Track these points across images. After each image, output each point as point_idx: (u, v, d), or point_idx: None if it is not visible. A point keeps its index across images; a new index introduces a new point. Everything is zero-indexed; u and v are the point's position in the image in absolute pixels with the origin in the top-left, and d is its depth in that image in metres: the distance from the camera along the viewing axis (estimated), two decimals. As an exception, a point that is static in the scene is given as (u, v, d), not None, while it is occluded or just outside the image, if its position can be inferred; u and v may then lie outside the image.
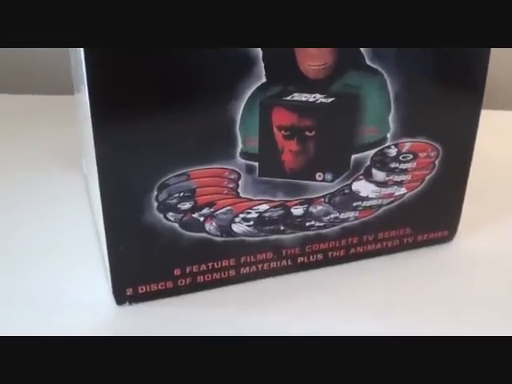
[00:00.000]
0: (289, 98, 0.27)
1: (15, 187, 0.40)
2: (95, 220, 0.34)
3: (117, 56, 0.24)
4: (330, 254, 0.32)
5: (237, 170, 0.28)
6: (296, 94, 0.27)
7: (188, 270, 0.30)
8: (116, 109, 0.25)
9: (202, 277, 0.30)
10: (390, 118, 0.30)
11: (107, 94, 0.25)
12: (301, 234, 0.31)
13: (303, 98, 0.28)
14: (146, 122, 0.26)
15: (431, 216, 0.34)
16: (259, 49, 0.26)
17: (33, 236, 0.35)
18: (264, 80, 0.26)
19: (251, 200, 0.29)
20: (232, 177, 0.28)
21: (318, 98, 0.28)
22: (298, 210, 0.30)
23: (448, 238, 0.35)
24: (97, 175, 0.26)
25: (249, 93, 0.26)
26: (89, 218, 0.36)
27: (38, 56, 0.58)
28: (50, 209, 0.38)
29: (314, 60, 0.27)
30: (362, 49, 0.27)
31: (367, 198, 0.31)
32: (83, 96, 0.26)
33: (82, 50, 0.24)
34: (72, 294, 0.31)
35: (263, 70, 0.26)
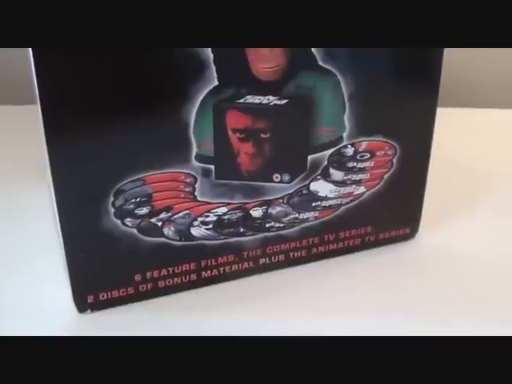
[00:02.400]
0: (242, 100, 0.27)
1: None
2: (57, 228, 0.34)
3: (67, 61, 0.24)
4: (291, 254, 0.32)
5: (193, 173, 0.28)
6: (249, 97, 0.28)
7: (149, 275, 0.30)
8: (68, 116, 0.25)
9: (163, 282, 0.30)
10: (346, 118, 0.30)
11: (58, 102, 0.25)
12: (261, 235, 0.31)
13: (256, 101, 0.28)
14: (98, 128, 0.26)
15: (392, 214, 0.34)
16: (210, 52, 0.26)
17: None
18: (216, 83, 0.27)
19: (209, 203, 0.29)
20: (188, 180, 0.28)
21: (272, 99, 0.28)
22: (257, 212, 0.30)
23: (410, 235, 0.35)
24: (51, 182, 0.26)
25: (201, 96, 0.27)
26: (53, 228, 0.36)
27: None
28: (15, 219, 0.38)
29: (265, 62, 0.27)
30: (313, 50, 0.28)
31: (326, 198, 0.32)
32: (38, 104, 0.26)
33: (32, 61, 0.24)
34: (35, 302, 0.31)
35: (215, 73, 0.26)
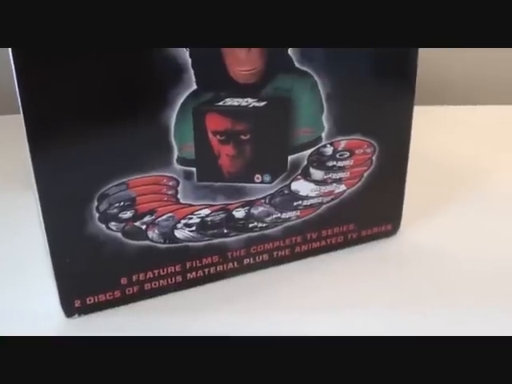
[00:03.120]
0: (221, 103, 0.28)
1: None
2: (43, 235, 0.34)
3: (48, 65, 0.25)
4: (274, 253, 0.33)
5: (175, 176, 0.29)
6: (228, 99, 0.28)
7: (134, 278, 0.30)
8: (50, 122, 0.26)
9: (149, 284, 0.31)
10: (324, 118, 0.30)
11: (40, 108, 0.25)
12: (244, 235, 0.32)
13: (235, 103, 0.28)
14: (80, 133, 0.26)
15: (373, 211, 0.35)
16: (188, 56, 0.26)
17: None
18: (195, 87, 0.27)
19: (192, 205, 0.30)
20: (170, 183, 0.29)
21: (251, 102, 0.28)
22: (239, 213, 0.31)
23: (392, 231, 0.36)
24: (36, 190, 0.27)
25: (181, 100, 0.27)
26: (40, 235, 0.36)
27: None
28: (2, 226, 0.38)
29: (243, 65, 0.28)
30: (290, 52, 0.28)
31: (307, 197, 0.32)
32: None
33: (12, 64, 0.24)
34: (22, 306, 0.31)
35: (193, 76, 0.27)
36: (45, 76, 0.25)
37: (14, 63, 0.24)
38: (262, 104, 0.29)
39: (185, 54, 0.26)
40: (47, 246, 0.29)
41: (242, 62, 0.28)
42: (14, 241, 0.37)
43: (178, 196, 0.29)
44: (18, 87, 0.25)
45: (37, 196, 0.29)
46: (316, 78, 0.29)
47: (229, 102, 0.28)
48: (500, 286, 0.32)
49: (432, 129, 0.51)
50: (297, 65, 0.29)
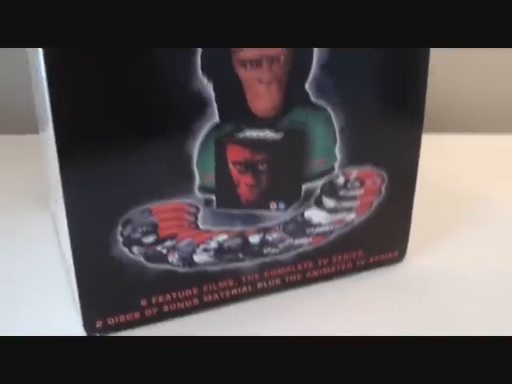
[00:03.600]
0: (241, 134, 0.30)
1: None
2: (64, 256, 0.35)
3: (81, 89, 0.26)
4: (286, 278, 0.34)
5: (195, 203, 0.30)
6: (248, 131, 0.30)
7: (154, 300, 0.32)
8: (80, 142, 0.27)
9: (167, 306, 0.32)
10: (337, 149, 0.32)
11: (72, 131, 0.26)
12: (259, 260, 0.33)
13: (254, 135, 0.30)
14: (107, 157, 0.28)
15: (381, 238, 0.36)
16: (212, 91, 0.28)
17: (3, 271, 0.37)
18: (217, 120, 0.29)
19: (210, 231, 0.31)
20: (191, 210, 0.30)
21: (268, 133, 0.30)
22: (254, 239, 0.32)
23: (398, 258, 0.37)
24: (65, 213, 0.28)
25: (204, 132, 0.29)
26: (57, 254, 0.38)
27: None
28: (19, 246, 0.40)
29: (262, 99, 0.29)
30: (307, 87, 0.30)
31: (319, 225, 0.34)
32: (48, 134, 0.28)
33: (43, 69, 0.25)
34: (43, 326, 0.32)
35: (216, 110, 0.28)
36: (78, 97, 0.26)
37: (48, 87, 0.25)
38: (279, 136, 0.30)
39: (209, 89, 0.28)
40: (70, 266, 0.30)
41: (262, 97, 0.29)
42: (28, 258, 0.38)
43: (198, 222, 0.31)
44: (51, 104, 0.26)
45: (61, 219, 0.31)
46: (330, 111, 0.31)
47: (248, 133, 0.30)
48: (510, 308, 0.34)
49: (437, 156, 0.52)
50: (312, 99, 0.30)
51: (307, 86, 0.30)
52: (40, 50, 0.25)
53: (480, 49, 0.62)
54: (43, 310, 0.33)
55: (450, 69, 0.62)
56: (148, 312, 0.32)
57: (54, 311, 0.33)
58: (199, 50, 0.27)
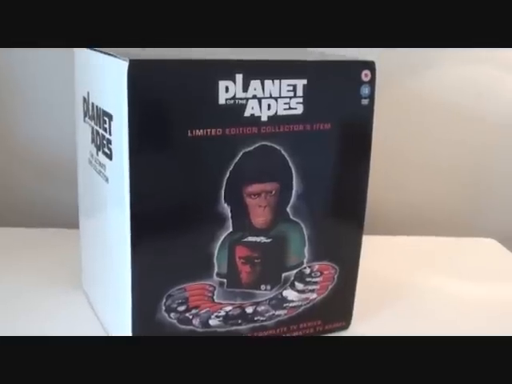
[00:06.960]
0: (245, 239, 0.45)
1: (24, 305, 0.53)
2: (103, 324, 0.49)
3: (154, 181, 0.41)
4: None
5: (213, 284, 0.45)
6: (250, 237, 0.45)
7: (180, 351, 0.46)
8: (152, 226, 0.42)
9: (188, 356, 0.46)
10: (306, 250, 0.48)
11: (146, 210, 0.41)
12: (251, 325, 0.48)
13: (253, 240, 0.45)
14: (170, 244, 0.42)
15: (333, 311, 0.51)
16: (229, 212, 0.44)
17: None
18: (231, 230, 0.44)
19: (221, 303, 0.46)
20: (210, 289, 0.45)
21: (262, 239, 0.46)
22: (249, 309, 0.47)
23: (345, 326, 0.53)
24: (130, 287, 0.42)
25: (222, 237, 0.44)
26: (93, 322, 0.51)
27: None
28: (58, 319, 0.52)
29: (260, 217, 0.45)
30: (288, 209, 0.46)
31: (292, 301, 0.49)
32: (104, 221, 0.43)
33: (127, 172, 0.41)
34: None
35: (231, 224, 0.44)
36: (153, 185, 0.41)
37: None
38: (269, 240, 0.46)
39: (228, 211, 0.43)
40: (128, 330, 0.44)
41: (260, 216, 0.45)
42: (69, 331, 0.50)
43: (214, 297, 0.45)
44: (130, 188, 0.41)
45: (106, 296, 0.45)
46: (302, 225, 0.47)
47: (250, 238, 0.45)
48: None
49: (371, 253, 0.68)
50: (291, 217, 0.46)
51: (288, 208, 0.46)
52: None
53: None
54: None
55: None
56: (176, 359, 0.46)
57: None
58: (223, 186, 0.43)
